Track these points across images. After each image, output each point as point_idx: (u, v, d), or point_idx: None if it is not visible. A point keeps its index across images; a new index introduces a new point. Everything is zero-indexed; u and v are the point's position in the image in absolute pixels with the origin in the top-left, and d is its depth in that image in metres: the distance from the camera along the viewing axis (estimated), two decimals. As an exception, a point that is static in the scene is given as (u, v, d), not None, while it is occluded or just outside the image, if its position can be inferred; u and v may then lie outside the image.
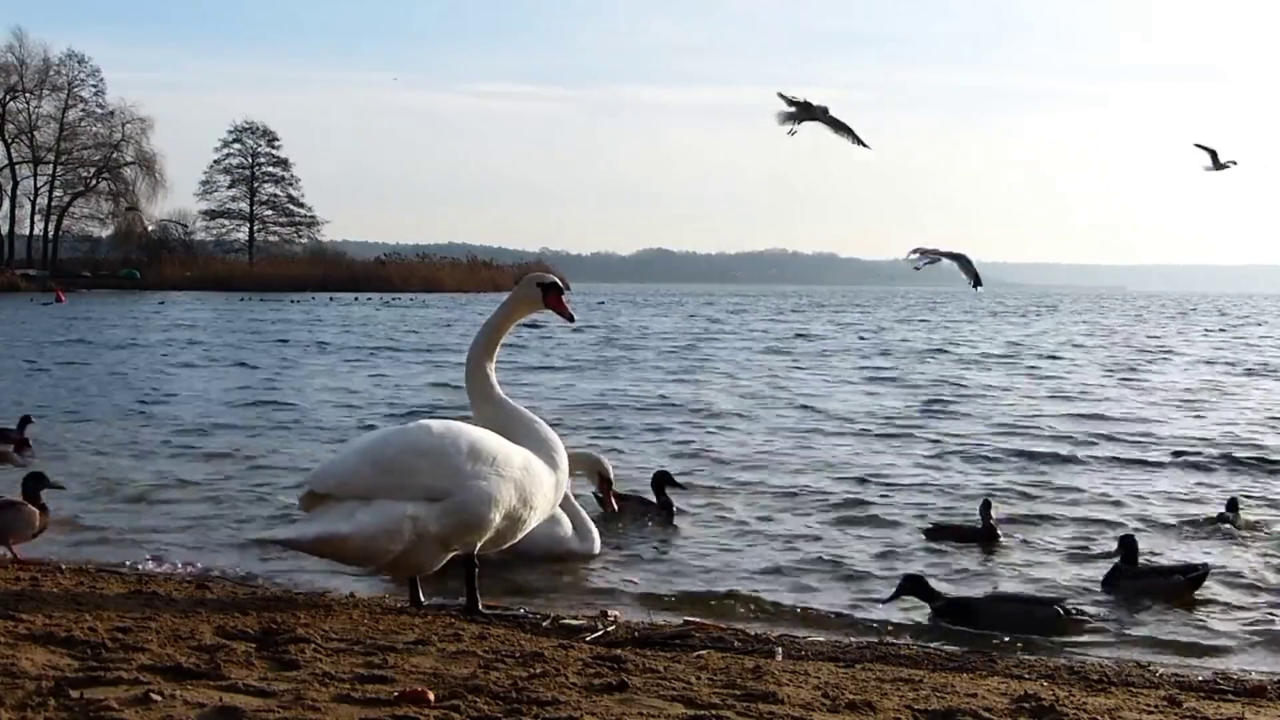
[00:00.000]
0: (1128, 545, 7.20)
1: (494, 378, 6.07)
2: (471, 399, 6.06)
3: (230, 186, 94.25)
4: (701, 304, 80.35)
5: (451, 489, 5.51)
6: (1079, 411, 16.81)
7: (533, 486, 5.73)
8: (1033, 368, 25.72)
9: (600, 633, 5.56)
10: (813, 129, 8.09)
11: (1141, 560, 7.23)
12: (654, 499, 9.00)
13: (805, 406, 17.17)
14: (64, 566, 6.64)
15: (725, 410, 16.46)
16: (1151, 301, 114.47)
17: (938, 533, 8.51)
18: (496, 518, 5.61)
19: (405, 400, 17.63)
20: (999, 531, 8.36)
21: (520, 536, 5.92)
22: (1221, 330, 48.17)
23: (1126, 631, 6.43)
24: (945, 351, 31.17)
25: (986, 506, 8.45)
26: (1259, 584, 7.43)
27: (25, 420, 11.85)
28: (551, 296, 6.17)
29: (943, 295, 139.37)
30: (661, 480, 9.09)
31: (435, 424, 5.80)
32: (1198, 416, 16.52)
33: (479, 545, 5.70)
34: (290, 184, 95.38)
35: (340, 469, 5.66)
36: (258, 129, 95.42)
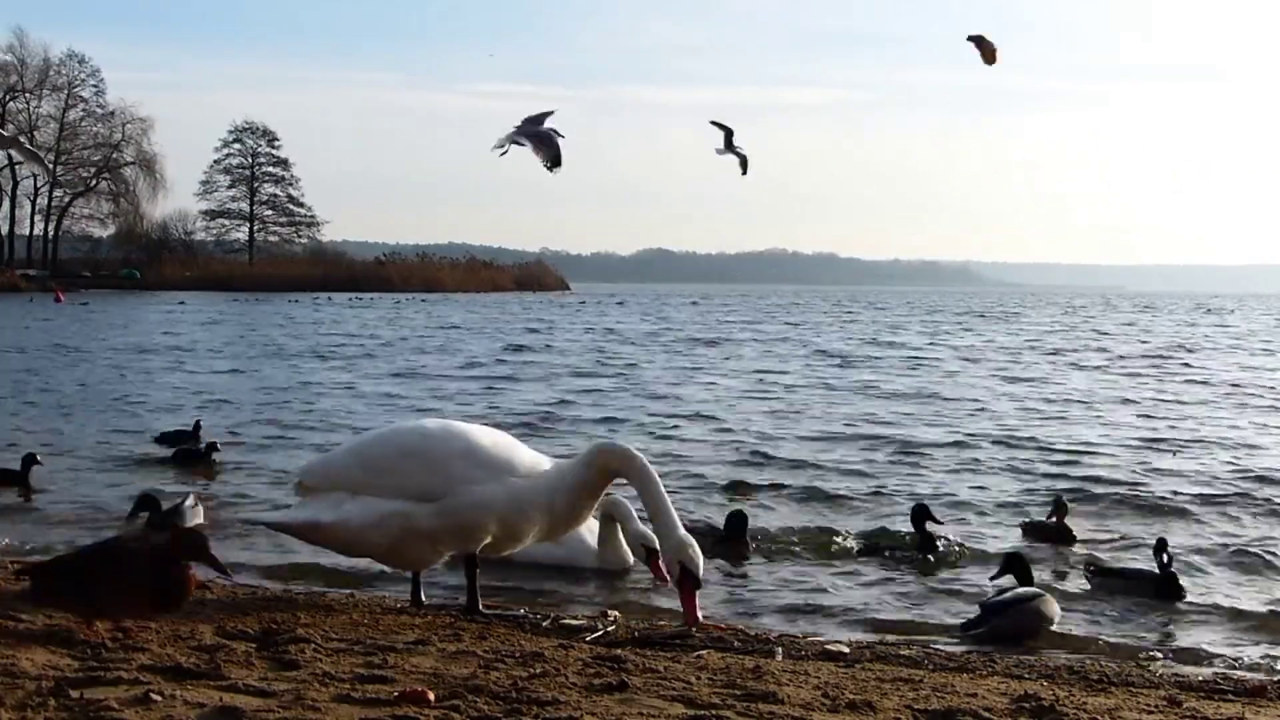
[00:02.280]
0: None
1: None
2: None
3: (230, 186, 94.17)
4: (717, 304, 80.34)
5: (443, 491, 5.46)
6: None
7: (533, 501, 5.59)
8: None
9: (600, 633, 5.55)
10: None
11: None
12: (915, 530, 8.02)
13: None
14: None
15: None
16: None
17: (1026, 530, 8.56)
18: (490, 524, 5.55)
19: (405, 401, 17.66)
20: (1074, 533, 8.37)
21: (520, 547, 5.86)
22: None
23: (1126, 631, 6.43)
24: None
25: (1060, 506, 8.47)
26: (1262, 583, 7.43)
27: (198, 425, 12.05)
28: (688, 586, 5.43)
29: (934, 296, 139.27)
30: (922, 515, 8.02)
31: (431, 425, 5.76)
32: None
33: (478, 549, 5.67)
34: (290, 184, 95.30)
35: (329, 464, 5.74)
36: (258, 129, 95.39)
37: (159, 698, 3.71)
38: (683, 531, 5.49)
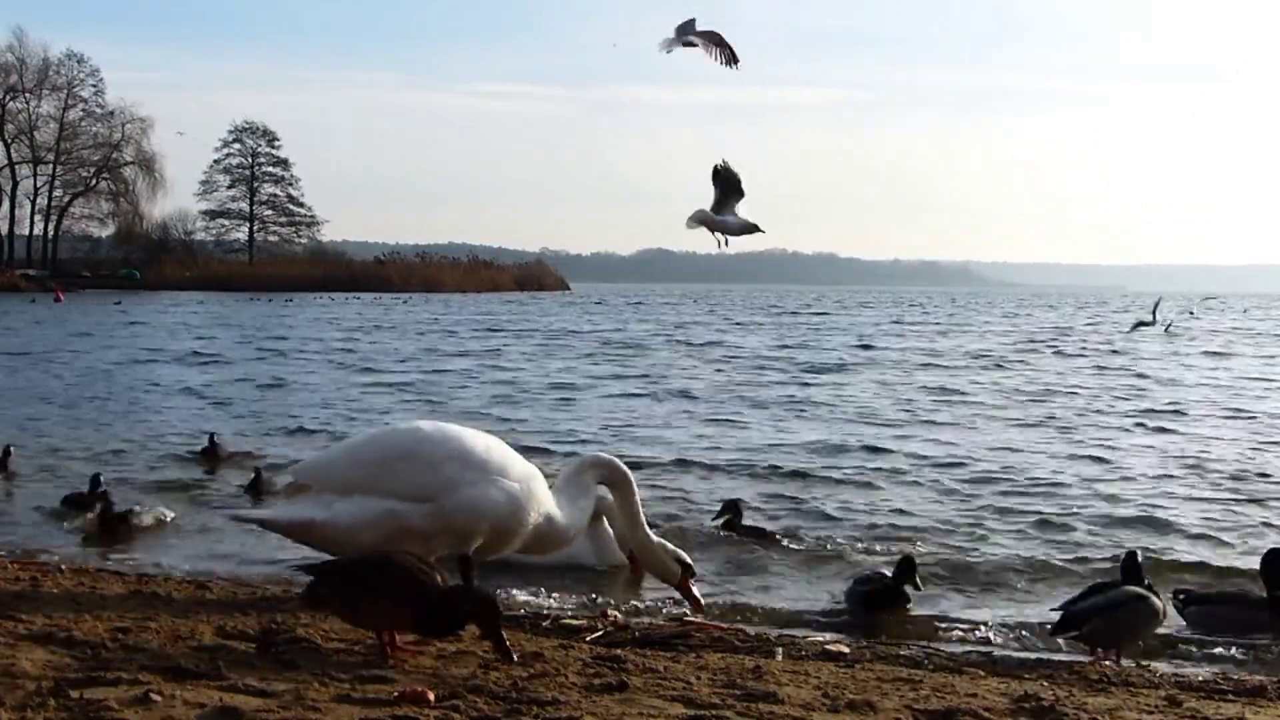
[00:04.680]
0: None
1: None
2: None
3: (230, 186, 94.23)
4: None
5: (435, 492, 5.46)
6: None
7: (529, 505, 5.59)
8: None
9: (600, 633, 5.55)
10: None
11: None
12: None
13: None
14: (64, 567, 6.64)
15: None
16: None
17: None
18: (483, 526, 5.54)
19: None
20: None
21: (509, 551, 5.85)
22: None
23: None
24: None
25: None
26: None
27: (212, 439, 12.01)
28: (686, 580, 5.93)
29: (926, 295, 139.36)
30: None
31: (426, 427, 5.75)
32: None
33: (472, 549, 5.66)
34: (290, 184, 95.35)
35: (321, 464, 5.79)
36: (258, 129, 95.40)
37: (159, 698, 3.71)
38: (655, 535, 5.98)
